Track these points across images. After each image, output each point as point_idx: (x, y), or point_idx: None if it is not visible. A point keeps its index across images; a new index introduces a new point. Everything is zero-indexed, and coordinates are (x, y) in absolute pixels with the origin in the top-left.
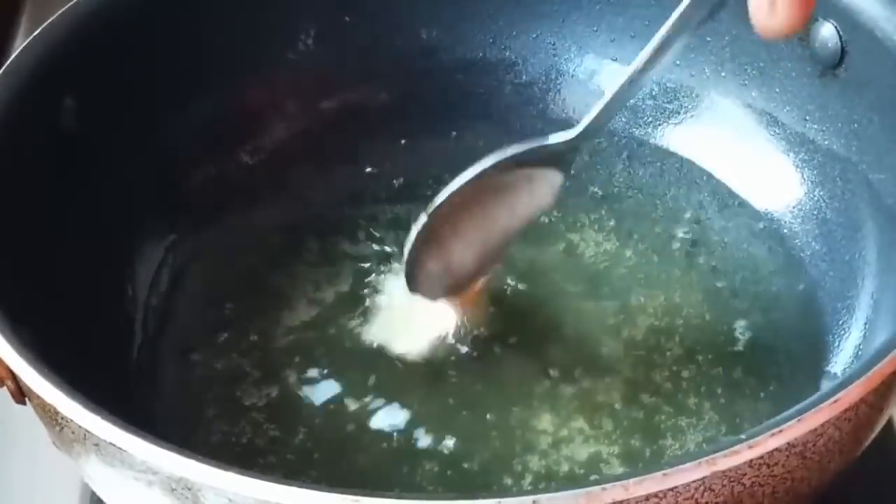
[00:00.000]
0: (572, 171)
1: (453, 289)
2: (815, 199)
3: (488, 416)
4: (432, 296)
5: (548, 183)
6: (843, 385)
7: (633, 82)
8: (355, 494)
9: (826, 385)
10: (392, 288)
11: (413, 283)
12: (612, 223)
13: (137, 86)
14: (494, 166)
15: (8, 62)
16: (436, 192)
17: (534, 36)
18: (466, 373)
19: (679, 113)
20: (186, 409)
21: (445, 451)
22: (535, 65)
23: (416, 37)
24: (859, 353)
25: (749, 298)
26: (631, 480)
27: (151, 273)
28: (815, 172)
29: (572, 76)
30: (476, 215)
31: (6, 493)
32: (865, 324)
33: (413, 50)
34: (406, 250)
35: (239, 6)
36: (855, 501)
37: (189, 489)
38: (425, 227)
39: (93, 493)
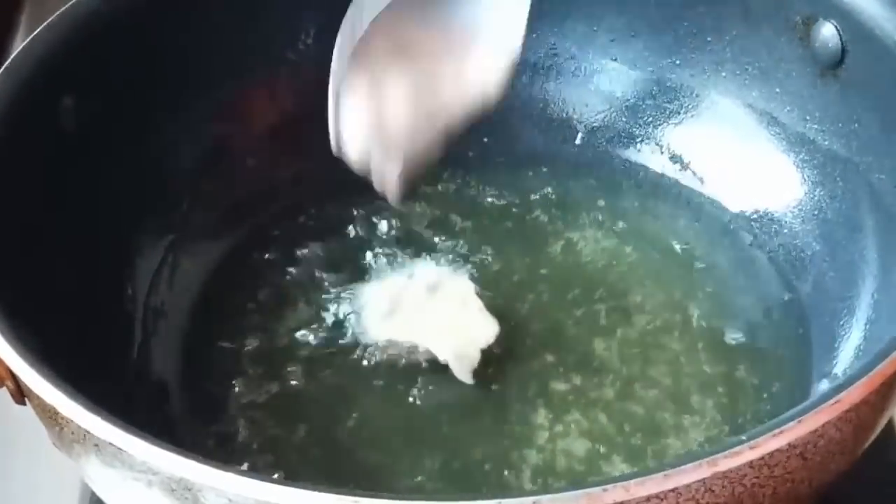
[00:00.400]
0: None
1: (383, 156)
2: (816, 199)
3: (487, 413)
4: (358, 158)
5: (496, 68)
6: (843, 386)
7: None
8: (355, 494)
9: (827, 386)
10: (392, 286)
11: (339, 136)
12: (611, 222)
13: (137, 85)
14: None
15: (8, 61)
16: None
17: (534, 36)
18: None
19: (679, 113)
20: (186, 408)
21: (445, 448)
22: (534, 64)
23: None
24: (860, 353)
25: (749, 297)
26: (632, 481)
27: (151, 273)
28: (815, 172)
29: (572, 76)
30: (411, 63)
31: (6, 493)
32: (866, 324)
33: None
34: (332, 83)
35: (239, 6)
36: (856, 502)
37: (189, 489)
38: (354, 55)
39: (93, 494)
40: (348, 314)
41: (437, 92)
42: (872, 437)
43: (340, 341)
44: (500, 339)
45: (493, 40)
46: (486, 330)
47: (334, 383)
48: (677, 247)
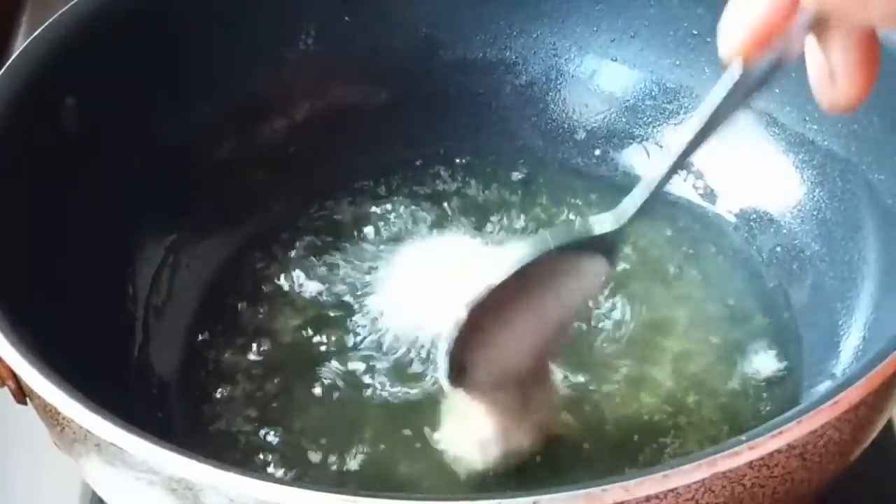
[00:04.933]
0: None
1: (506, 388)
2: (815, 199)
3: None
4: (480, 394)
5: (595, 270)
6: (842, 386)
7: (674, 169)
8: (355, 494)
9: (826, 386)
10: (391, 287)
11: (458, 379)
12: None
13: (137, 86)
14: (536, 261)
15: (9, 62)
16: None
17: (534, 36)
18: None
19: (679, 113)
20: (187, 408)
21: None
22: (535, 65)
23: (416, 37)
24: (859, 354)
25: (748, 297)
26: (631, 481)
27: (152, 273)
28: (814, 173)
29: (572, 76)
30: (521, 307)
31: (7, 493)
32: (865, 325)
33: (413, 50)
34: (446, 347)
35: (239, 7)
36: (856, 502)
37: (190, 489)
38: (467, 322)
39: (94, 493)
40: (351, 314)
41: (544, 322)
42: (872, 438)
43: (343, 341)
44: None
45: (587, 276)
46: None
47: (336, 383)
48: (677, 247)
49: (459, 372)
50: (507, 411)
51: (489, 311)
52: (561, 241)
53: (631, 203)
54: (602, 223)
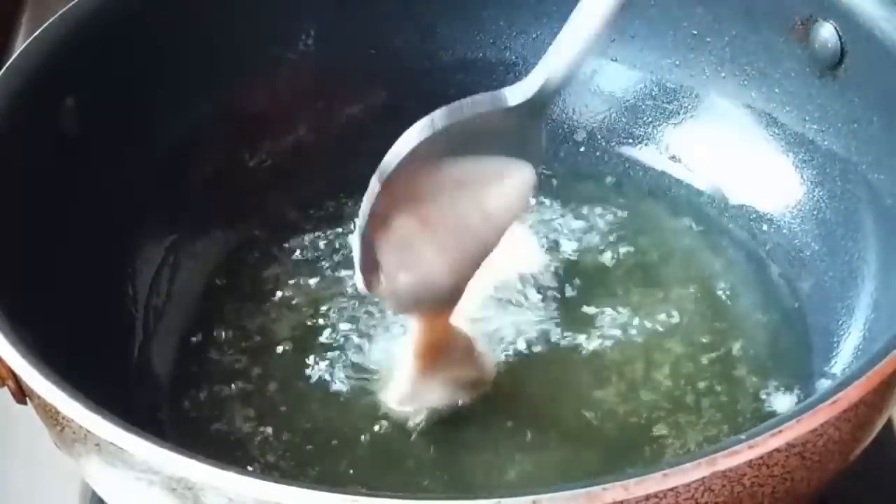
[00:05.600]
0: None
1: (423, 303)
2: (815, 199)
3: (486, 413)
4: (396, 306)
5: (519, 180)
6: (842, 385)
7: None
8: (355, 494)
9: (826, 385)
10: None
11: (370, 280)
12: (611, 222)
13: (137, 86)
14: (447, 128)
15: (9, 62)
16: None
17: (534, 36)
18: None
19: (679, 113)
20: (187, 408)
21: (445, 448)
22: (535, 65)
23: (416, 37)
24: (859, 353)
25: (748, 297)
26: (631, 480)
27: (152, 273)
28: (814, 172)
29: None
30: (443, 206)
31: (7, 493)
32: (865, 324)
33: (413, 50)
34: (359, 228)
35: (239, 6)
36: (855, 501)
37: (190, 489)
38: (379, 200)
39: (94, 493)
40: (351, 314)
41: (469, 232)
42: (871, 437)
43: (342, 341)
44: (500, 340)
45: (511, 186)
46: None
47: (336, 383)
48: (677, 247)
49: (373, 268)
50: (422, 341)
51: (405, 207)
52: (474, 108)
53: (540, 72)
54: (513, 93)
